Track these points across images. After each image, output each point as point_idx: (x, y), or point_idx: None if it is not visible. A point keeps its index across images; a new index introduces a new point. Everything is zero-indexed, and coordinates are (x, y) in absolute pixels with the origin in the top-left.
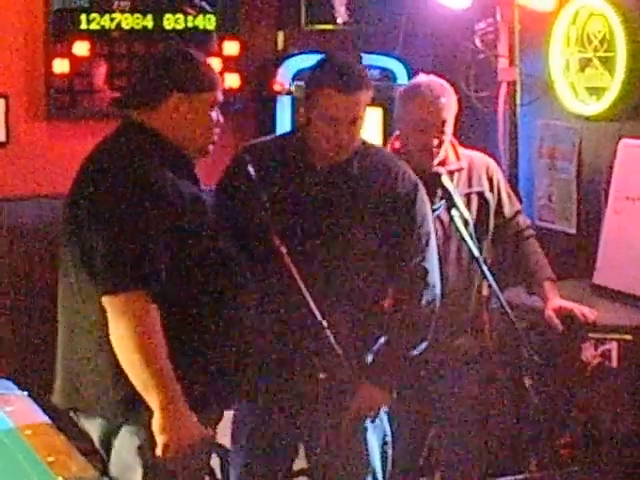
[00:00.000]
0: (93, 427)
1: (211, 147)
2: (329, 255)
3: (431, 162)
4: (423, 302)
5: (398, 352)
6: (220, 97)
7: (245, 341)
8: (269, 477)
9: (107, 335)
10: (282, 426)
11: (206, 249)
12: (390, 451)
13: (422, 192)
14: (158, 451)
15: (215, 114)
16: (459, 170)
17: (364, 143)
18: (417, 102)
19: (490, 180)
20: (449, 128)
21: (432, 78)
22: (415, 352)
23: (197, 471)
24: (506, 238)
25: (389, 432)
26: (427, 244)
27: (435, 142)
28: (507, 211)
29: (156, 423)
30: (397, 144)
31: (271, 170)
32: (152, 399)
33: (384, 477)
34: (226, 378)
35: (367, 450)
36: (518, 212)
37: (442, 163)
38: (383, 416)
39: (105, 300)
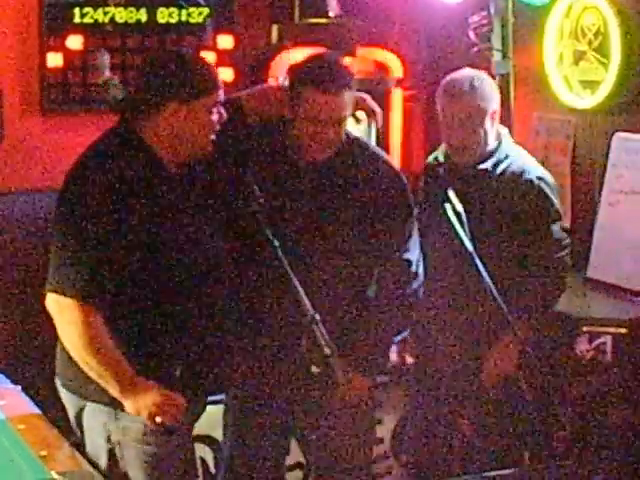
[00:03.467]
0: (68, 400)
1: (209, 148)
2: (319, 251)
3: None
4: (407, 291)
5: (382, 339)
6: (221, 96)
7: (219, 332)
8: (258, 469)
9: None
10: (271, 419)
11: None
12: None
13: (406, 185)
14: (149, 424)
15: (216, 115)
16: (493, 167)
17: (348, 136)
18: (444, 99)
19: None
20: (482, 130)
21: (462, 75)
22: (396, 339)
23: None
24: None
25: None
26: (410, 235)
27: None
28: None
29: (127, 408)
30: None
31: (256, 161)
32: (112, 392)
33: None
34: (194, 370)
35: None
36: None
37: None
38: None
39: (48, 297)
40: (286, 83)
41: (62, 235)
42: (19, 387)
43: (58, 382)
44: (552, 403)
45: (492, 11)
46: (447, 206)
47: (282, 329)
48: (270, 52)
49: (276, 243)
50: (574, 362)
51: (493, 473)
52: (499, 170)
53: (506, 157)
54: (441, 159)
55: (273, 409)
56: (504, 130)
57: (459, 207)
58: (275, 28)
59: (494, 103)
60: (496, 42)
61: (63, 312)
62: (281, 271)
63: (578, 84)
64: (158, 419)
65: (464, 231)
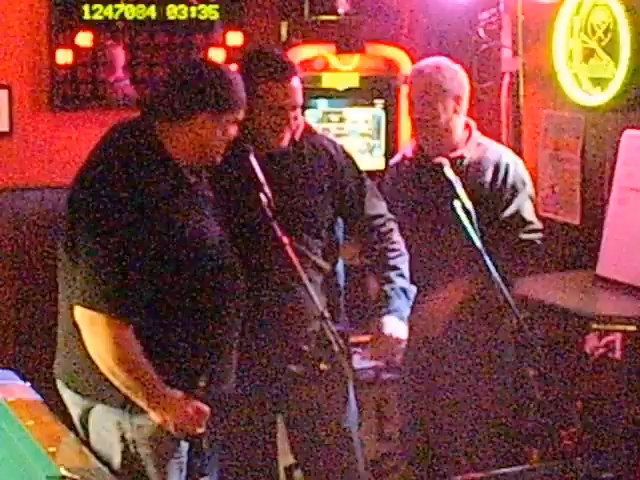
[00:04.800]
0: (72, 400)
1: (220, 158)
2: (296, 233)
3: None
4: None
5: (402, 284)
6: (242, 114)
7: (231, 334)
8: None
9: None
10: (261, 416)
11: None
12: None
13: (351, 154)
14: (175, 434)
15: (234, 130)
16: (460, 158)
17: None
18: (411, 77)
19: (495, 175)
20: (441, 108)
21: (430, 59)
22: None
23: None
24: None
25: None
26: (378, 196)
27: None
28: (506, 213)
29: (155, 419)
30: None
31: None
32: (139, 402)
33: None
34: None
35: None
36: (532, 230)
37: (454, 148)
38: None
39: (77, 309)
40: None
41: (91, 248)
42: (28, 384)
43: (60, 382)
44: (561, 401)
45: (502, 8)
46: (456, 203)
47: (290, 326)
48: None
49: (285, 240)
50: (583, 360)
51: (502, 470)
52: (472, 157)
53: (478, 145)
54: (409, 155)
55: (264, 406)
56: (473, 123)
57: (468, 205)
58: (284, 25)
59: (459, 90)
60: (506, 39)
61: (93, 326)
62: (289, 268)
63: (588, 81)
64: (189, 430)
65: (473, 228)
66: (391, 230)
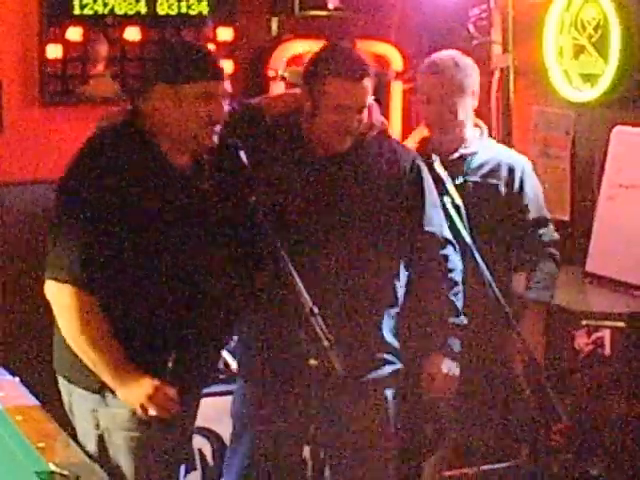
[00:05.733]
0: (62, 386)
1: (208, 141)
2: (335, 243)
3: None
4: (439, 259)
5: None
6: (217, 88)
7: (214, 323)
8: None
9: None
10: (286, 413)
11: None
12: None
13: (423, 164)
14: (141, 415)
15: (212, 106)
16: (471, 155)
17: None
18: (427, 75)
19: (512, 178)
20: (461, 107)
21: (445, 53)
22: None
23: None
24: (526, 249)
25: None
26: (439, 214)
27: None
28: (528, 216)
29: (119, 397)
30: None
31: (264, 158)
32: (105, 380)
33: None
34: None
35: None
36: (543, 221)
37: (458, 144)
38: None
39: (46, 284)
40: (286, 75)
41: (58, 222)
42: (17, 379)
43: (55, 369)
44: (550, 396)
45: (492, 4)
46: (446, 199)
47: (279, 322)
48: (270, 45)
49: (277, 238)
50: (573, 356)
51: (492, 466)
52: (484, 155)
53: (489, 143)
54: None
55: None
56: (483, 125)
57: (458, 200)
58: (275, 21)
59: (475, 83)
60: (496, 35)
61: (59, 298)
62: (279, 264)
63: (578, 78)
64: (152, 411)
65: (463, 224)
66: (447, 256)
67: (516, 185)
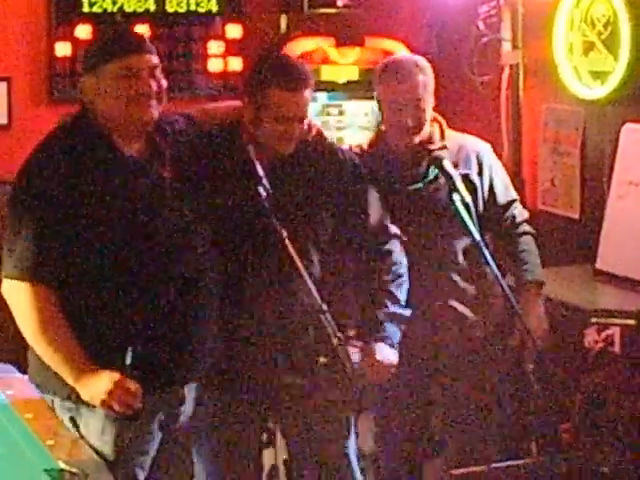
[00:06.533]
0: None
1: (145, 115)
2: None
3: (409, 141)
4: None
5: (395, 309)
6: (139, 62)
7: (180, 321)
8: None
9: None
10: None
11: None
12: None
13: (364, 170)
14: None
15: (133, 80)
16: (442, 149)
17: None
18: (389, 82)
19: (480, 165)
20: (427, 106)
21: (405, 55)
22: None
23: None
24: (500, 230)
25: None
26: (382, 210)
27: (410, 122)
28: (501, 199)
29: (82, 396)
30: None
31: (215, 161)
32: (64, 376)
33: None
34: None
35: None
36: (513, 201)
37: (426, 142)
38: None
39: (3, 283)
40: None
41: (12, 220)
42: (27, 377)
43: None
44: (560, 394)
45: (502, 1)
46: (455, 197)
47: (288, 320)
48: (279, 42)
49: (284, 233)
50: (582, 354)
51: (501, 464)
52: (452, 147)
53: (453, 135)
54: (366, 148)
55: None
56: (442, 119)
57: (468, 198)
58: (284, 18)
59: (433, 83)
60: (505, 32)
61: (16, 295)
62: (287, 262)
63: (588, 75)
64: (116, 407)
65: (472, 221)
66: (391, 251)
67: (486, 171)
